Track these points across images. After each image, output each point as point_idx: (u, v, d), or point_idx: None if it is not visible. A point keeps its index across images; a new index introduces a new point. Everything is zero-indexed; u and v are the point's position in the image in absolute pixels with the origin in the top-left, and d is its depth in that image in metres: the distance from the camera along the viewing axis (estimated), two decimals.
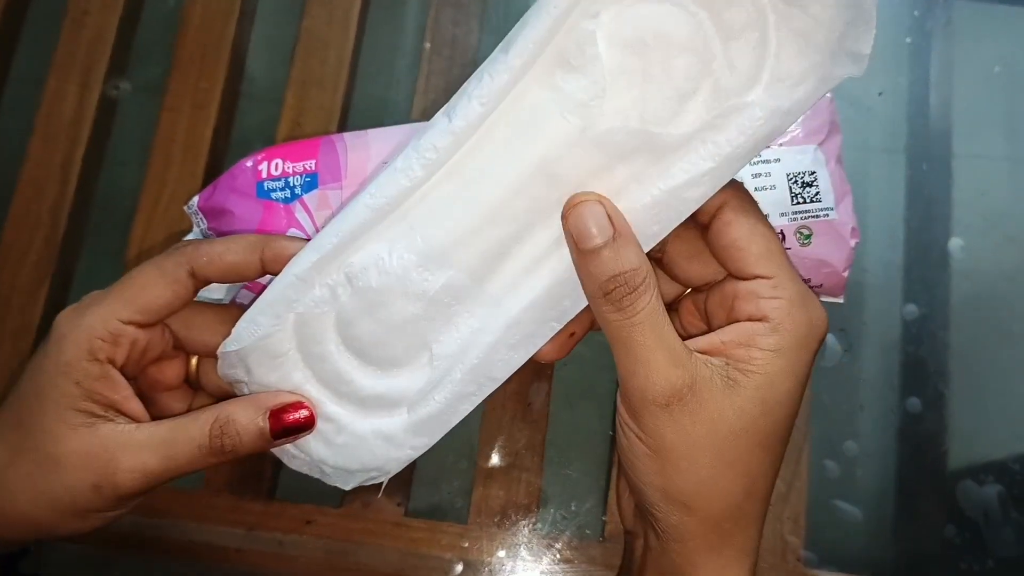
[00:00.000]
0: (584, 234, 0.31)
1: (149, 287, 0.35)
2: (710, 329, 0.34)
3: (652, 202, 0.31)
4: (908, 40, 0.60)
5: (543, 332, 0.34)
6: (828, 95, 0.49)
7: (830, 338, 0.54)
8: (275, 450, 0.37)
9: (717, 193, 0.31)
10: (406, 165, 0.32)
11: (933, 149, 0.58)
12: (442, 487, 0.54)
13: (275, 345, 0.36)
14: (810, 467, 0.51)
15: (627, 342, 0.31)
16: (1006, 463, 0.52)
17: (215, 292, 0.45)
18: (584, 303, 0.33)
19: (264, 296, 0.35)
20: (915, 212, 0.56)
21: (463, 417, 0.36)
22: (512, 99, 0.31)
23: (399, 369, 0.36)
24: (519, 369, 0.35)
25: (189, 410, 0.39)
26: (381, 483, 0.38)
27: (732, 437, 0.31)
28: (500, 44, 0.31)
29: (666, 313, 0.31)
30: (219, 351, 0.36)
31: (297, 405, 0.36)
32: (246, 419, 0.35)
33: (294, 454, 0.37)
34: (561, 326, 0.34)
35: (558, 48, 0.31)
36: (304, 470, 0.38)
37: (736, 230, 0.32)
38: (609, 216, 0.31)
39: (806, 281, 0.47)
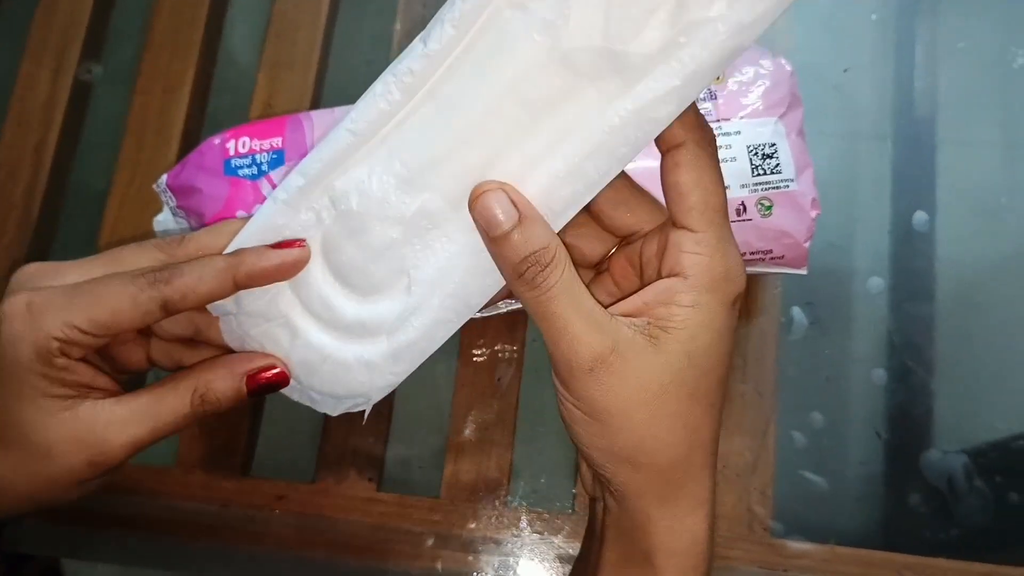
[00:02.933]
0: (492, 222, 0.32)
1: (118, 312, 0.34)
2: (642, 283, 0.34)
3: (620, 123, 0.31)
4: (874, 17, 0.60)
5: None
6: (789, 68, 0.49)
7: (796, 311, 0.54)
8: None
9: (680, 128, 0.32)
10: (385, 90, 0.33)
11: (898, 125, 0.58)
12: (413, 462, 0.55)
13: None
14: (777, 438, 0.52)
15: (546, 315, 0.31)
16: (970, 433, 0.52)
17: None
18: (559, 226, 0.34)
19: (251, 223, 0.36)
20: (880, 186, 0.57)
21: (440, 344, 0.36)
22: (483, 21, 0.31)
23: (379, 295, 0.36)
24: (493, 314, 0.35)
25: (148, 359, 0.39)
26: (364, 411, 0.38)
27: (662, 391, 0.31)
28: None
29: (581, 283, 0.32)
30: None
31: (270, 366, 0.37)
32: (224, 386, 0.36)
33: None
34: None
35: None
36: (295, 397, 0.38)
37: (682, 174, 0.32)
38: (513, 201, 0.32)
39: (767, 252, 0.48)
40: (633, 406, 0.31)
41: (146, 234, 0.56)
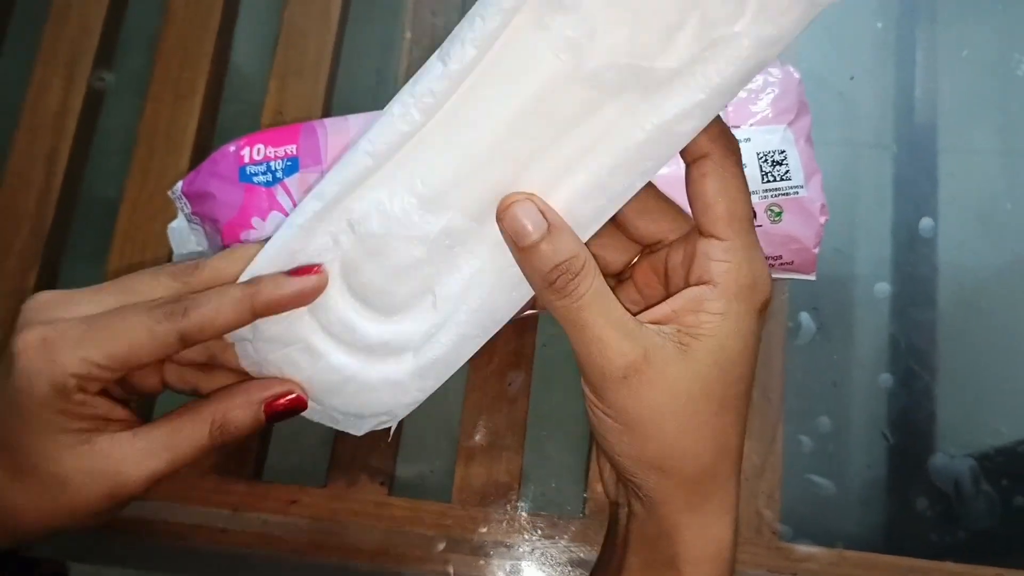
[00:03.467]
0: (520, 232, 0.32)
1: (136, 346, 0.34)
2: (668, 292, 0.35)
3: (645, 137, 0.32)
4: (879, 25, 0.61)
5: None
6: (797, 76, 0.50)
7: (804, 316, 0.55)
8: None
9: (706, 139, 0.32)
10: (404, 111, 0.33)
11: (904, 132, 0.59)
12: (425, 467, 0.55)
13: None
14: (785, 442, 0.52)
15: (577, 324, 0.32)
16: (976, 437, 0.53)
17: None
18: (585, 238, 0.34)
19: (267, 248, 0.36)
20: (887, 192, 0.57)
21: (467, 359, 0.36)
22: (504, 40, 0.32)
23: (403, 314, 0.36)
24: (515, 321, 0.35)
25: (162, 382, 0.39)
26: (390, 428, 0.38)
27: (692, 400, 0.32)
28: None
29: (610, 291, 0.32)
30: None
31: (287, 392, 0.37)
32: (242, 414, 0.36)
33: (308, 405, 0.38)
34: None
35: None
36: (316, 418, 0.38)
37: (708, 184, 0.32)
38: (541, 211, 0.32)
39: (777, 258, 0.48)
40: (664, 414, 0.32)
41: (156, 246, 0.56)
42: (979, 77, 0.60)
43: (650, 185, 0.34)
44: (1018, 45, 0.60)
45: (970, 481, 0.52)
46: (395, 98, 0.33)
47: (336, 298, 0.36)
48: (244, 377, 0.38)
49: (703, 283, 0.32)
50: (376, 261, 0.35)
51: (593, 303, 0.32)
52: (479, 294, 0.35)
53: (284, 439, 0.56)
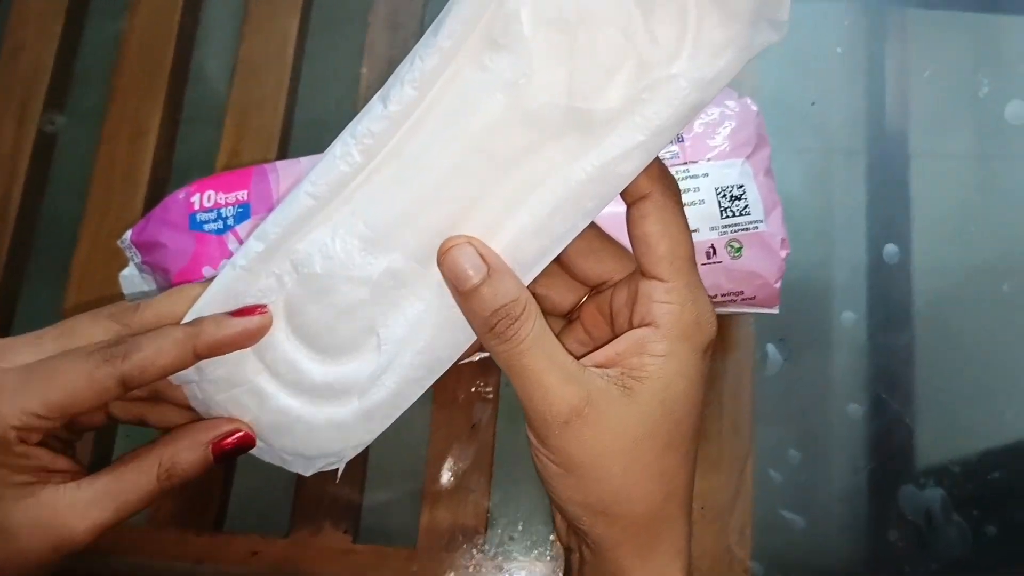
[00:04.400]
0: (461, 276, 0.32)
1: (74, 394, 0.33)
2: (614, 332, 0.35)
3: (586, 178, 0.32)
4: (839, 50, 0.60)
5: None
6: (755, 108, 0.49)
7: (771, 347, 0.54)
8: None
9: (645, 179, 0.32)
10: (344, 151, 0.33)
11: (869, 155, 0.59)
12: (389, 511, 0.54)
13: None
14: (754, 476, 0.52)
15: (519, 369, 0.31)
16: (946, 466, 0.52)
17: None
18: (528, 280, 0.34)
19: (211, 290, 0.35)
20: (850, 219, 0.57)
21: (413, 401, 0.36)
22: (444, 81, 0.32)
23: (348, 356, 0.36)
24: (467, 362, 0.35)
25: (107, 415, 0.38)
26: (338, 469, 0.38)
27: (637, 442, 0.31)
28: (431, 26, 0.32)
29: (552, 335, 0.32)
30: None
31: (234, 431, 0.36)
32: (190, 456, 0.36)
33: (257, 444, 0.37)
34: None
35: (485, 28, 0.31)
36: (267, 458, 0.38)
37: (649, 225, 0.32)
38: (481, 254, 0.32)
39: (739, 293, 0.47)
40: (608, 458, 0.31)
41: (113, 288, 0.55)
42: (943, 98, 0.60)
43: (594, 225, 0.34)
44: (981, 66, 0.60)
45: (941, 511, 0.51)
46: (338, 138, 0.33)
47: (281, 339, 0.36)
48: (191, 409, 0.37)
49: (646, 325, 0.32)
50: (319, 302, 0.35)
51: (534, 348, 0.31)
52: (424, 336, 0.35)
53: (246, 486, 0.55)
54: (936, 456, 0.53)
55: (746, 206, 0.47)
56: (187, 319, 0.35)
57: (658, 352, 0.32)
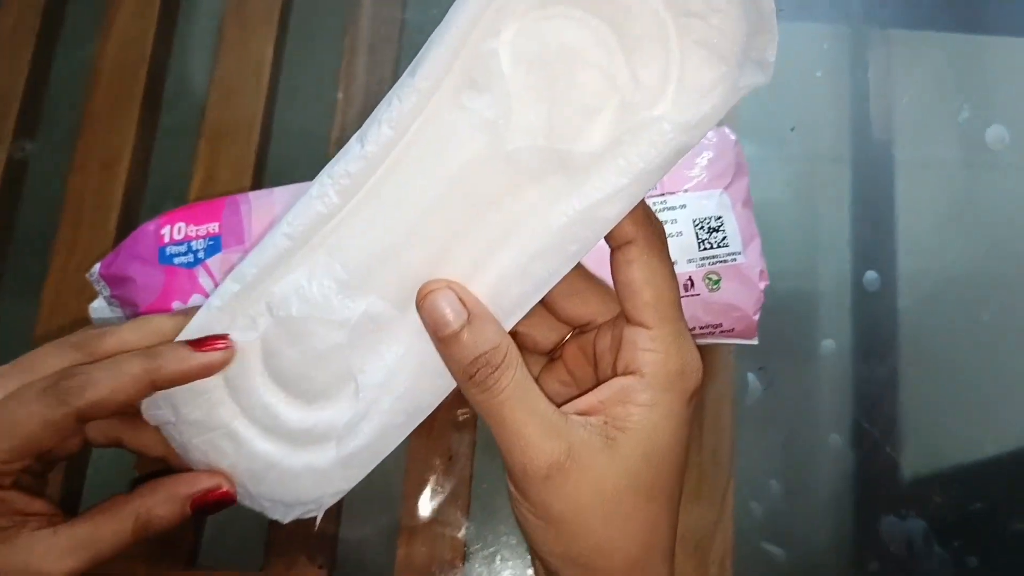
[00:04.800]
0: (440, 321, 0.31)
1: (33, 436, 0.33)
2: (596, 375, 0.34)
3: (568, 221, 0.31)
4: (818, 74, 0.60)
5: None
6: (733, 137, 0.49)
7: (750, 377, 0.54)
8: None
9: (630, 224, 0.31)
10: (321, 192, 0.32)
11: (849, 179, 0.58)
12: (365, 545, 0.53)
13: (200, 381, 0.35)
14: (734, 508, 0.51)
15: (499, 420, 0.31)
16: (928, 496, 0.52)
17: None
18: (509, 326, 0.33)
19: (186, 331, 0.35)
20: (830, 246, 0.57)
21: (394, 447, 0.35)
22: (422, 121, 0.31)
23: (325, 401, 0.35)
24: (446, 402, 0.35)
25: (84, 440, 0.38)
26: (316, 516, 0.37)
27: (618, 495, 0.31)
28: (409, 66, 0.31)
29: (534, 383, 0.31)
30: None
31: (215, 487, 0.36)
32: (167, 510, 0.35)
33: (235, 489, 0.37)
34: None
35: (464, 67, 0.30)
36: (245, 503, 0.37)
37: (634, 271, 0.32)
38: (461, 300, 0.31)
39: (717, 326, 0.47)
40: (590, 511, 0.31)
41: (85, 314, 0.54)
42: (922, 123, 0.60)
43: (579, 266, 0.34)
44: (961, 91, 0.60)
45: (923, 542, 0.51)
46: (316, 178, 0.33)
47: (257, 383, 0.35)
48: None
49: (630, 373, 0.32)
50: (296, 346, 0.34)
51: (514, 397, 0.31)
52: (403, 381, 0.34)
53: (219, 520, 0.54)
54: (918, 486, 0.52)
55: (724, 238, 0.46)
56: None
57: (642, 402, 0.31)
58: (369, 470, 0.36)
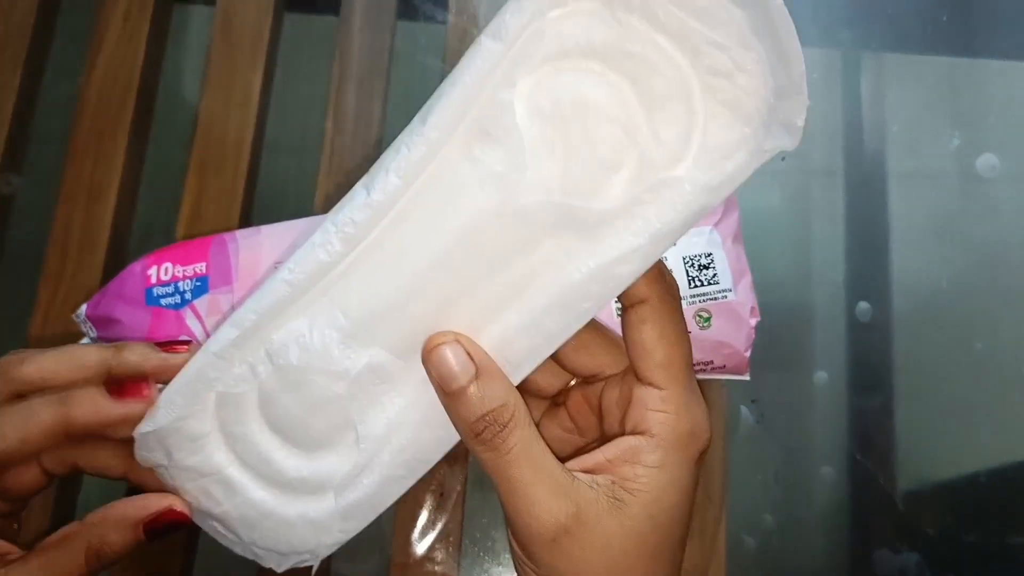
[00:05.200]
0: (447, 376, 0.30)
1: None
2: (602, 429, 0.34)
3: (582, 279, 0.31)
4: (809, 103, 0.60)
5: None
6: None
7: (743, 410, 0.54)
8: (209, 531, 0.36)
9: (644, 284, 0.31)
10: (324, 240, 0.31)
11: (840, 211, 0.58)
12: None
13: (195, 426, 0.34)
14: (728, 542, 0.51)
15: (505, 480, 0.30)
16: (922, 529, 0.52)
17: None
18: (517, 381, 0.32)
19: (182, 375, 0.34)
20: (823, 277, 0.56)
21: (395, 500, 0.35)
22: (432, 171, 0.30)
23: (323, 451, 0.35)
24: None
25: (44, 472, 0.37)
26: (312, 566, 0.37)
27: (625, 555, 0.31)
28: (418, 114, 0.30)
29: (542, 442, 0.31)
30: (136, 433, 0.34)
31: (165, 509, 0.35)
32: (119, 537, 0.34)
33: (227, 536, 0.36)
34: None
35: (476, 118, 0.30)
36: (238, 551, 0.37)
37: (647, 331, 0.31)
38: (469, 353, 0.30)
39: (708, 363, 0.47)
40: (595, 572, 0.31)
41: None
42: (913, 150, 0.59)
43: None
44: (952, 118, 0.60)
45: (916, 575, 0.51)
46: (320, 225, 0.32)
47: (254, 430, 0.35)
48: (125, 448, 0.36)
49: (639, 432, 0.31)
50: (294, 395, 0.34)
51: (521, 457, 0.30)
52: (405, 434, 0.33)
53: (209, 554, 0.53)
54: (911, 519, 0.52)
55: (715, 275, 0.46)
56: (158, 407, 0.34)
57: (651, 463, 0.31)
58: (368, 522, 0.35)
